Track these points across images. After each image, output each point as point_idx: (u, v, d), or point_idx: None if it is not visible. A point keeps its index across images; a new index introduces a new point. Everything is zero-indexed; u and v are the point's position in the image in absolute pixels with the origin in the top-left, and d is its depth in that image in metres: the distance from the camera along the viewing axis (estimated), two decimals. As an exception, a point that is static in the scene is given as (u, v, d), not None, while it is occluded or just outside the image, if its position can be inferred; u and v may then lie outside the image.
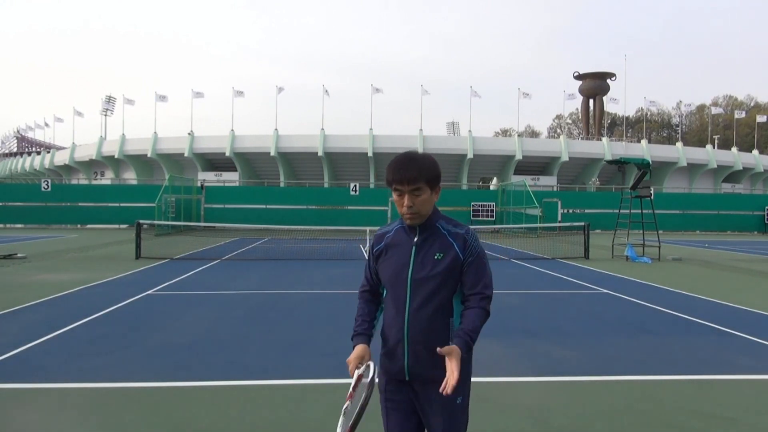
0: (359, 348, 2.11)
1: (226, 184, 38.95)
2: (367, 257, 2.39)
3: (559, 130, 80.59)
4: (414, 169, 2.09)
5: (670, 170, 45.37)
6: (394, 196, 2.16)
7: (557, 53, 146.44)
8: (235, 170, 43.09)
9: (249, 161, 43.99)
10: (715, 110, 60.57)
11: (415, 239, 2.15)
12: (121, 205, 32.69)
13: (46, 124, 63.21)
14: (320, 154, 40.63)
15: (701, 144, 53.26)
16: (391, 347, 2.15)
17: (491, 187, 43.52)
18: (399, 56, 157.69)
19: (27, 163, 59.00)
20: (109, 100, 50.11)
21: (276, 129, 41.84)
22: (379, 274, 2.25)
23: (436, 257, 2.10)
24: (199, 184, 34.22)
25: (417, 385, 2.13)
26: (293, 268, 13.21)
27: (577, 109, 74.42)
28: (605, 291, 10.01)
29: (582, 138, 59.53)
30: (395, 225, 2.28)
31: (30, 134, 74.60)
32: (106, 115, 50.00)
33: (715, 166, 46.60)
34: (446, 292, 2.11)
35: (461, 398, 2.16)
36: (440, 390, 1.89)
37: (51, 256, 15.16)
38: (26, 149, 74.82)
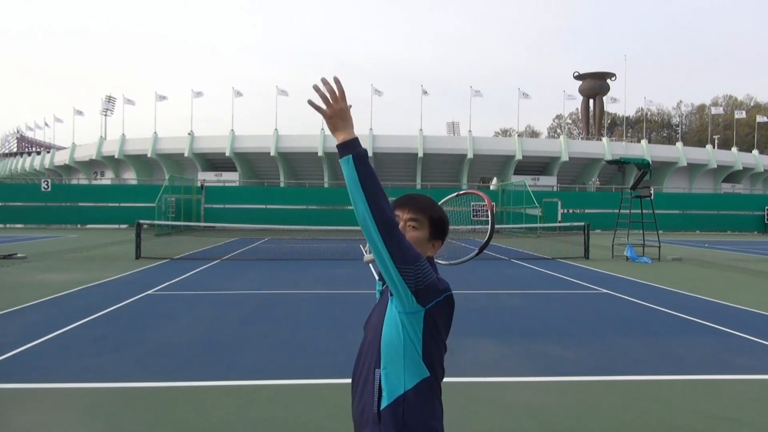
0: None
1: (226, 184, 38.94)
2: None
3: (559, 130, 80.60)
4: (423, 201, 1.88)
5: (670, 170, 45.36)
6: None
7: (557, 53, 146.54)
8: (235, 170, 43.09)
9: (249, 161, 43.99)
10: (715, 110, 60.52)
11: (385, 285, 1.85)
12: (121, 205, 32.69)
13: (46, 124, 63.26)
14: (320, 154, 40.62)
15: (701, 144, 53.26)
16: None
17: (491, 187, 43.49)
18: (399, 56, 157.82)
19: (27, 163, 58.99)
20: (109, 100, 50.12)
21: (276, 129, 41.84)
22: None
23: (385, 298, 1.79)
24: (199, 184, 34.21)
25: None
26: (293, 268, 13.21)
27: (577, 109, 74.45)
28: (605, 291, 10.01)
29: (582, 138, 59.53)
30: None
31: (30, 134, 74.65)
32: (106, 115, 50.03)
33: (715, 166, 46.59)
34: (375, 335, 1.77)
35: None
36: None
37: (51, 256, 15.16)
38: (26, 149, 74.82)
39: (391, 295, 1.72)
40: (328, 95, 1.61)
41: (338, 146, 1.60)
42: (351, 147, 1.58)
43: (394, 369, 1.70)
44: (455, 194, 2.45)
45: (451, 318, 1.78)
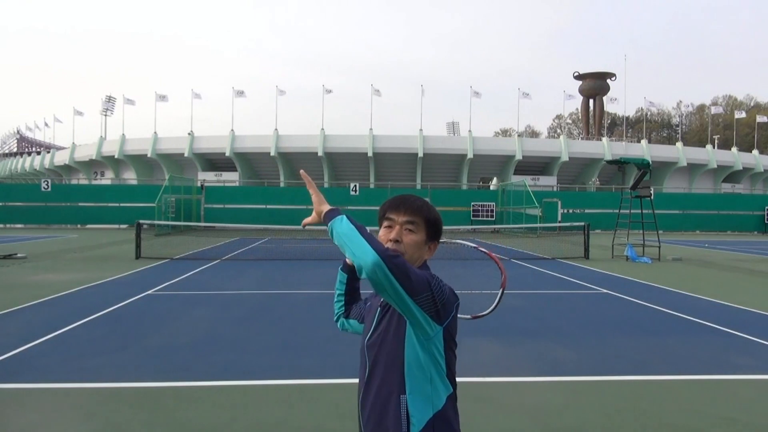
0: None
1: (226, 184, 38.94)
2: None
3: (559, 130, 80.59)
4: (417, 201, 1.80)
5: (670, 170, 45.36)
6: (381, 232, 1.81)
7: (557, 53, 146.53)
8: (235, 170, 43.09)
9: (249, 161, 43.99)
10: (715, 110, 60.54)
11: (382, 299, 1.72)
12: (121, 205, 32.68)
13: (46, 125, 63.25)
14: (320, 154, 40.63)
15: (701, 144, 53.26)
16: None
17: (491, 187, 43.53)
18: (399, 56, 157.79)
19: (27, 163, 59.00)
20: (109, 100, 50.12)
21: (276, 129, 41.83)
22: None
23: (398, 318, 1.68)
24: (199, 184, 34.21)
25: None
26: (293, 268, 13.21)
27: (577, 109, 74.43)
28: (605, 291, 10.01)
29: (582, 138, 59.52)
30: None
31: (30, 134, 74.65)
32: (106, 115, 50.03)
33: (715, 166, 46.60)
34: (394, 358, 1.67)
35: None
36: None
37: (51, 256, 15.16)
38: (26, 149, 74.82)
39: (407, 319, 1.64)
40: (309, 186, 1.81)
41: (326, 215, 1.69)
42: (337, 212, 1.67)
43: (421, 392, 1.64)
44: (473, 246, 2.38)
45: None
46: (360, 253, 1.50)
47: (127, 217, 30.58)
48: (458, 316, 1.74)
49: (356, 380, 1.84)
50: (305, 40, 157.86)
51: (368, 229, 1.59)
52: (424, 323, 1.59)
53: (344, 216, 1.63)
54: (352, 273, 2.03)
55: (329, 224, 1.64)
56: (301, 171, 2.00)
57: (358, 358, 1.83)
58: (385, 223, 1.81)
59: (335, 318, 2.11)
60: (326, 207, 1.71)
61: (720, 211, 36.61)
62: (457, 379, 1.73)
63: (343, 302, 2.07)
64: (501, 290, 2.02)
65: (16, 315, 7.32)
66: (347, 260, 1.98)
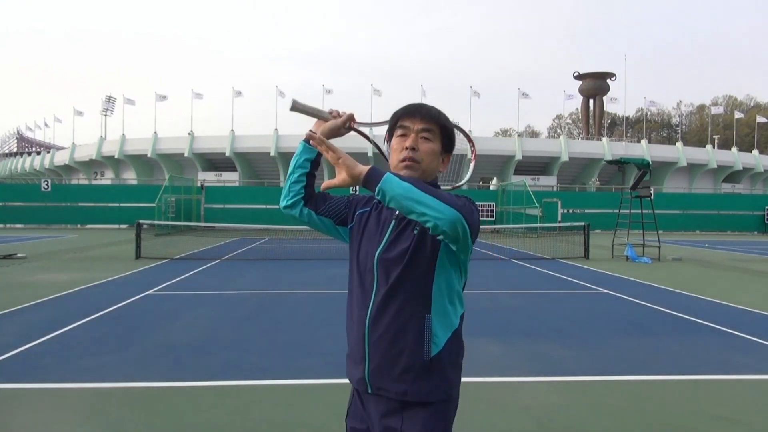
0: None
1: (226, 184, 38.93)
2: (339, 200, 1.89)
3: (559, 130, 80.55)
4: (433, 109, 1.71)
5: (670, 170, 45.35)
6: (394, 141, 1.72)
7: (557, 53, 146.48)
8: (235, 170, 43.08)
9: (249, 161, 43.98)
10: (715, 110, 60.53)
11: (397, 211, 1.63)
12: (121, 205, 32.67)
13: (46, 125, 63.30)
14: (320, 153, 40.60)
15: (701, 144, 53.23)
16: (352, 347, 1.72)
17: (491, 187, 43.48)
18: (399, 56, 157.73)
19: (27, 163, 58.99)
20: (109, 100, 50.13)
21: (276, 129, 41.83)
22: (350, 249, 1.80)
23: (414, 231, 1.61)
24: (199, 184, 34.21)
25: (382, 405, 1.64)
26: (293, 268, 13.21)
27: (577, 109, 74.39)
28: (605, 291, 10.01)
29: (582, 138, 59.50)
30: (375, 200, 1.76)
31: (30, 134, 74.65)
32: (106, 115, 50.05)
33: (715, 166, 46.59)
34: (422, 278, 1.60)
35: None
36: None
37: (51, 256, 15.16)
38: (26, 149, 74.81)
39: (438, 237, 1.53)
40: (321, 148, 1.56)
41: (367, 178, 1.48)
42: (379, 171, 1.49)
43: (444, 312, 1.62)
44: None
45: None
46: (435, 212, 1.41)
47: (127, 217, 30.56)
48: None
49: None
50: (305, 39, 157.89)
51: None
52: (471, 245, 1.59)
53: (389, 173, 1.49)
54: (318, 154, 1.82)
55: (378, 186, 1.45)
56: (309, 131, 1.72)
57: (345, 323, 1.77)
58: (399, 132, 1.71)
59: (288, 200, 1.84)
60: (363, 167, 1.50)
61: (720, 211, 36.60)
62: None
63: (304, 183, 1.83)
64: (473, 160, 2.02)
65: (16, 315, 7.32)
66: (311, 132, 1.79)
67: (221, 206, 33.21)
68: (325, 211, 1.85)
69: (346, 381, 1.78)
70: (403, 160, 1.67)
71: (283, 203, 1.85)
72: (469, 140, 1.94)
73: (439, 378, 1.60)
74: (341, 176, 1.54)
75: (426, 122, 1.68)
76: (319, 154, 1.80)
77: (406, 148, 1.67)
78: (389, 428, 1.60)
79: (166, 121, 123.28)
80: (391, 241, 1.65)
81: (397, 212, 1.64)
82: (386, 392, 1.62)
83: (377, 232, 1.70)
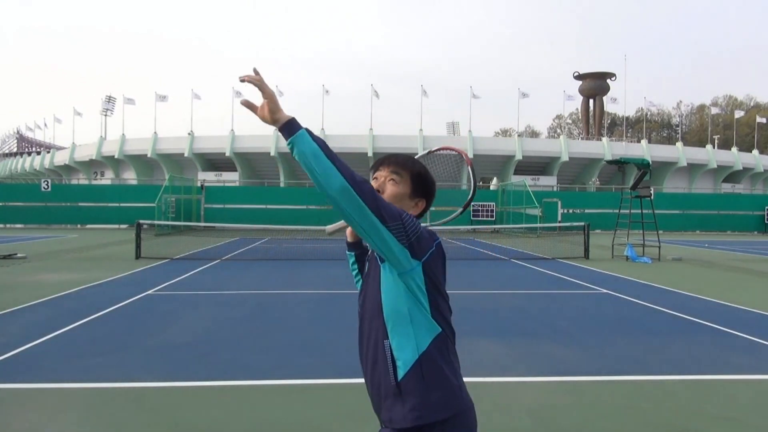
0: None
1: (226, 184, 38.94)
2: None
3: (559, 130, 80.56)
4: (402, 156, 1.81)
5: (670, 170, 45.36)
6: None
7: (557, 53, 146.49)
8: (235, 170, 43.09)
9: (249, 161, 43.98)
10: (715, 110, 60.57)
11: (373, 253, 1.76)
12: (121, 205, 32.67)
13: (46, 125, 63.32)
14: (320, 153, 40.59)
15: (701, 144, 53.25)
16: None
17: (491, 187, 43.48)
18: (399, 56, 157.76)
19: (27, 163, 59.00)
20: (109, 100, 50.13)
21: (276, 129, 41.80)
22: None
23: (375, 263, 1.73)
24: (199, 184, 34.21)
25: None
26: (293, 268, 13.21)
27: (577, 109, 74.37)
28: (605, 291, 10.01)
29: (582, 138, 59.51)
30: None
31: (30, 134, 74.65)
32: (106, 115, 50.04)
33: (715, 166, 46.60)
34: (375, 304, 1.70)
35: None
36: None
37: (51, 256, 15.16)
38: (26, 149, 74.82)
39: (382, 261, 1.65)
40: (255, 83, 1.51)
41: (284, 127, 1.50)
42: (296, 124, 1.51)
43: (404, 335, 1.63)
44: (426, 152, 2.30)
45: (445, 267, 1.74)
46: (326, 177, 1.48)
47: (127, 217, 30.56)
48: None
49: (356, 380, 1.85)
50: (305, 40, 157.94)
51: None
52: (399, 254, 1.58)
53: (304, 130, 1.50)
54: (358, 248, 2.01)
55: (290, 139, 1.50)
56: (245, 76, 1.56)
57: (358, 358, 1.85)
58: (373, 181, 1.79)
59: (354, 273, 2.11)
60: (284, 115, 1.52)
61: (720, 211, 36.61)
62: None
63: (361, 278, 2.02)
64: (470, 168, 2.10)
65: (16, 315, 7.32)
66: (348, 237, 1.99)
67: (221, 206, 33.22)
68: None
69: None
70: None
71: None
72: (453, 149, 2.13)
73: (415, 400, 1.60)
74: (263, 112, 1.55)
75: (394, 167, 1.78)
76: (358, 253, 2.02)
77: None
78: None
79: (166, 121, 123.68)
80: (364, 280, 1.81)
81: (372, 253, 1.77)
82: (385, 422, 1.69)
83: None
